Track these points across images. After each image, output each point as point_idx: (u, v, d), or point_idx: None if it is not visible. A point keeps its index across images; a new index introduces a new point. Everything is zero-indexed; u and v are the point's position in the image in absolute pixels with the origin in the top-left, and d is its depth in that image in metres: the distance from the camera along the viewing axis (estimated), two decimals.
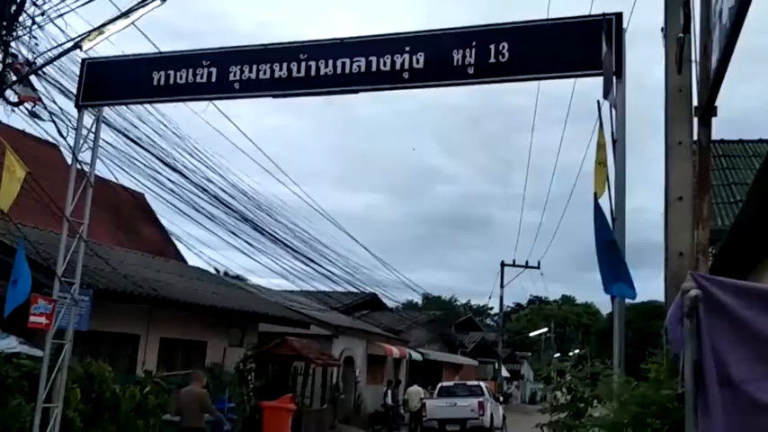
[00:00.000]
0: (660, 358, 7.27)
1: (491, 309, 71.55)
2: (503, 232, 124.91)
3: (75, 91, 11.26)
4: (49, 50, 11.28)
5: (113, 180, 14.61)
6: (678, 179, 7.12)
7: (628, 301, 9.59)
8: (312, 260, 21.37)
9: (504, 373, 49.20)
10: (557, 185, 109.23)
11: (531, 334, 63.53)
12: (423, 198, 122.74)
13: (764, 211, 5.38)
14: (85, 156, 11.60)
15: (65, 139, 11.47)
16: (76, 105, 11.18)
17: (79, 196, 11.41)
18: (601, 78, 8.18)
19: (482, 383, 24.92)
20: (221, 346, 17.31)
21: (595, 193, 8.02)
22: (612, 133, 8.50)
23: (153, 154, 13.78)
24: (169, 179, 14.43)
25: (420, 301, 57.66)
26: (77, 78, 11.17)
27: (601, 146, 7.98)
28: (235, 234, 17.46)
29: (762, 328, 3.33)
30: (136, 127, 13.41)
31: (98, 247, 14.81)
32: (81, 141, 11.36)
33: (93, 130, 11.54)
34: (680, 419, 5.29)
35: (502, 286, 43.14)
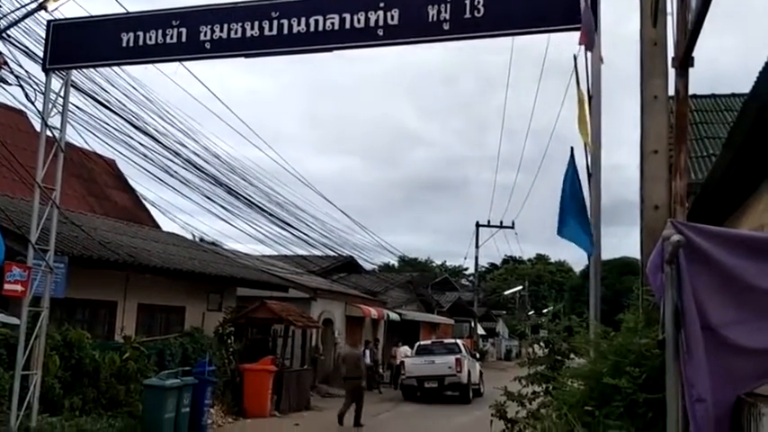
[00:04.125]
0: (636, 310, 7.41)
1: (466, 269, 72.34)
2: (478, 194, 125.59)
3: (41, 54, 10.99)
4: (13, 12, 10.99)
5: (84, 146, 14.37)
6: (653, 132, 7.19)
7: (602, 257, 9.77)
8: (289, 224, 21.38)
9: (480, 331, 49.89)
10: (532, 145, 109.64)
11: (506, 292, 64.29)
12: (398, 161, 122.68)
13: (739, 161, 5.46)
14: (55, 121, 11.38)
15: (33, 104, 11.21)
16: (44, 69, 10.92)
17: (50, 162, 11.23)
18: (576, 34, 8.17)
19: (459, 341, 25.22)
20: (200, 310, 17.30)
21: (572, 148, 8.10)
22: (588, 89, 8.53)
23: (123, 118, 13.54)
24: (141, 143, 14.24)
25: (396, 264, 58.00)
26: (44, 41, 10.89)
27: (580, 101, 8.00)
28: (210, 199, 17.37)
29: (741, 274, 3.39)
30: (105, 90, 13.15)
31: (71, 214, 14.62)
32: (50, 106, 11.13)
33: (62, 94, 11.31)
34: (657, 366, 5.41)
35: (477, 246, 43.53)
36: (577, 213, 7.98)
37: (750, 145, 5.21)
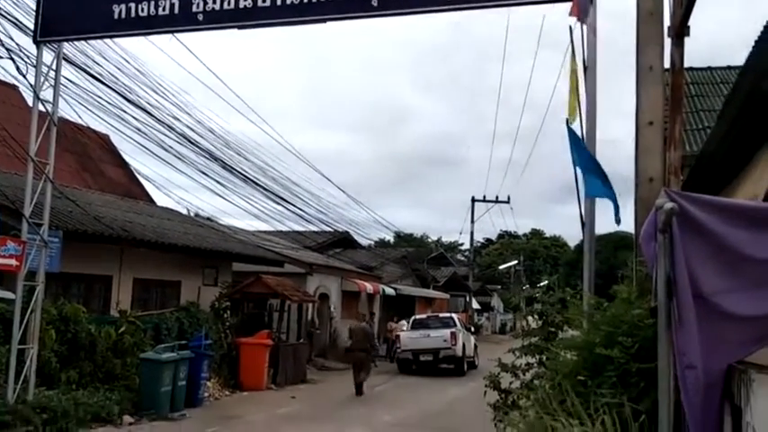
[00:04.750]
0: (629, 281, 7.44)
1: (462, 245, 72.42)
2: (474, 169, 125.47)
3: (32, 26, 10.86)
4: None
5: (77, 120, 14.27)
6: (649, 103, 7.15)
7: (596, 231, 9.78)
8: (284, 199, 21.34)
9: (475, 305, 50.17)
10: (528, 119, 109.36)
11: (501, 267, 64.52)
12: (394, 136, 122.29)
13: (734, 132, 5.45)
14: (47, 94, 11.30)
15: (24, 77, 11.10)
16: (35, 41, 10.80)
17: (43, 136, 11.16)
18: (568, 5, 8.12)
19: (454, 315, 25.36)
20: (195, 285, 17.33)
21: (567, 119, 8.08)
22: (584, 60, 8.49)
23: (116, 91, 13.43)
24: (134, 117, 14.14)
25: (392, 239, 58.12)
26: (34, 13, 10.76)
27: (573, 72, 7.97)
28: (204, 174, 17.30)
29: (734, 242, 3.39)
30: (98, 64, 13.02)
31: (65, 189, 14.57)
32: (42, 79, 11.03)
33: (54, 67, 11.21)
34: (650, 337, 5.45)
35: (472, 221, 43.60)
36: (600, 174, 8.00)
37: (745, 116, 5.20)
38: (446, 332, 22.39)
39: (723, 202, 3.66)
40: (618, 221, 8.00)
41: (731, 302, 3.46)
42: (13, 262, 10.41)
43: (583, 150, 8.22)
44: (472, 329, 28.39)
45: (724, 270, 3.52)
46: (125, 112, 13.92)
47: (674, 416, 3.72)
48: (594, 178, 8.06)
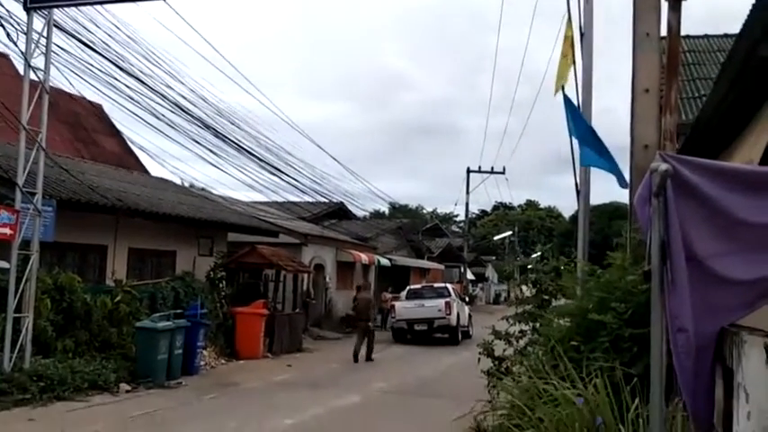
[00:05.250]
0: (623, 249, 7.48)
1: (457, 216, 72.59)
2: (469, 139, 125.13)
3: None
4: None
5: (69, 89, 14.14)
6: (645, 71, 7.13)
7: (591, 202, 9.82)
8: (278, 169, 21.27)
9: (470, 276, 50.38)
10: (525, 89, 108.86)
11: (496, 238, 64.66)
12: (389, 106, 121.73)
13: (729, 99, 5.43)
14: (38, 62, 11.19)
15: (15, 44, 10.98)
16: (25, 7, 10.69)
17: (35, 105, 11.07)
18: None
19: (448, 285, 25.48)
20: (191, 255, 17.33)
21: (563, 87, 8.05)
22: (580, 27, 8.44)
23: (108, 59, 13.29)
24: (127, 86, 14.02)
25: (387, 210, 58.13)
26: None
27: (567, 38, 7.93)
28: (197, 143, 17.21)
29: (729, 206, 3.39)
30: (89, 31, 12.87)
31: (58, 158, 14.48)
32: (32, 46, 10.92)
33: (45, 34, 11.09)
34: (643, 303, 5.50)
35: (467, 192, 43.60)
36: (596, 143, 8.00)
37: (741, 81, 5.18)
38: (441, 302, 22.52)
39: (718, 165, 3.65)
40: (624, 185, 7.99)
41: (724, 266, 3.47)
42: (7, 231, 10.40)
43: (579, 119, 8.22)
44: (466, 300, 28.54)
45: (718, 233, 3.52)
46: (117, 80, 13.80)
47: (665, 379, 3.76)
48: (589, 148, 8.07)
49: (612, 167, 7.97)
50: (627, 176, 7.94)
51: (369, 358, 17.25)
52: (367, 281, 23.80)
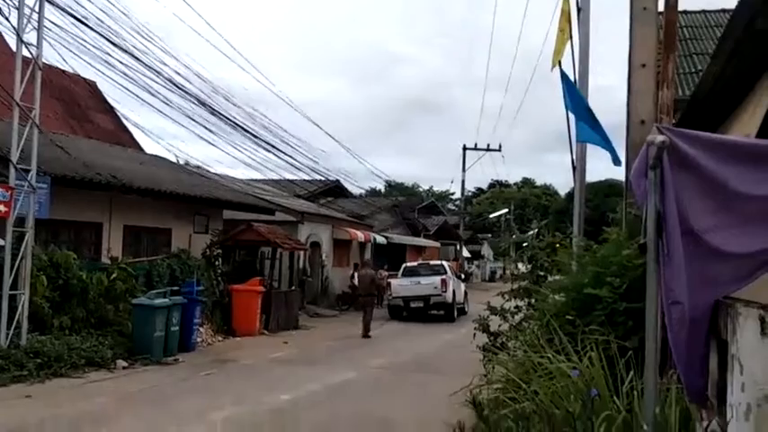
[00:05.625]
0: (619, 224, 7.49)
1: (453, 194, 72.59)
2: (466, 116, 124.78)
3: None
4: None
5: (63, 67, 14.02)
6: (642, 46, 7.09)
7: (587, 179, 9.82)
8: (274, 147, 21.20)
9: (466, 253, 50.49)
10: (521, 65, 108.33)
11: (491, 216, 64.75)
12: (385, 83, 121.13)
13: (726, 73, 5.40)
14: (31, 37, 11.08)
15: (7, 19, 10.88)
16: None
17: (28, 81, 10.98)
18: None
19: (444, 263, 25.54)
20: (186, 232, 17.31)
21: (560, 62, 8.01)
22: (578, 1, 8.37)
23: (101, 35, 13.16)
24: (120, 62, 13.90)
25: (383, 188, 58.10)
26: None
27: (564, 12, 7.87)
28: (193, 120, 17.13)
29: (726, 178, 3.37)
30: (82, 6, 12.73)
31: (52, 135, 14.40)
32: (24, 21, 10.80)
33: (37, 9, 10.97)
34: (638, 277, 5.51)
35: (464, 170, 43.57)
36: (592, 120, 8.00)
37: (738, 56, 5.15)
38: (436, 279, 22.59)
39: (715, 138, 3.63)
40: (617, 163, 8.01)
41: (720, 239, 3.46)
42: (2, 208, 10.37)
43: (575, 94, 8.19)
44: (462, 277, 28.60)
45: (714, 206, 3.51)
46: (111, 56, 13.68)
47: (660, 352, 3.77)
48: (584, 124, 8.07)
49: (607, 144, 7.98)
50: (622, 153, 7.95)
51: (366, 335, 17.50)
52: (368, 258, 23.80)
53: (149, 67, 14.51)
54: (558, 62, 8.08)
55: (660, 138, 3.12)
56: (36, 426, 7.48)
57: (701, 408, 3.98)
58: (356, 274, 25.56)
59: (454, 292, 23.05)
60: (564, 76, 7.91)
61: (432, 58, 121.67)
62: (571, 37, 8.64)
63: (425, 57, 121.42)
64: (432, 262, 26.72)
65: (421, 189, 78.28)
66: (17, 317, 10.66)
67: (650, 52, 7.09)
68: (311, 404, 9.14)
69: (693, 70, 9.82)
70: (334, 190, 33.16)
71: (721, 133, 6.05)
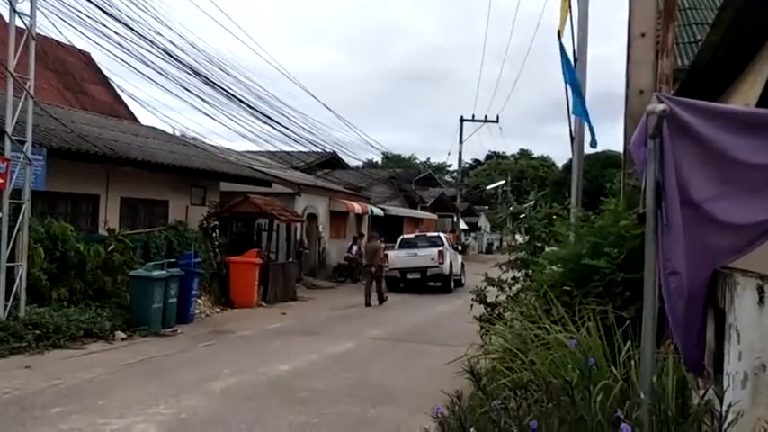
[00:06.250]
0: (617, 195, 7.49)
1: (450, 166, 72.53)
2: (463, 87, 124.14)
3: None
4: None
5: (57, 37, 13.87)
6: (641, 15, 7.01)
7: (585, 150, 9.81)
8: (271, 118, 21.10)
9: (463, 225, 50.58)
10: (519, 36, 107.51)
11: (489, 187, 64.76)
12: (383, 54, 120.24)
13: (726, 42, 5.36)
14: (24, 7, 10.95)
15: None
16: None
17: (21, 52, 10.87)
18: None
19: (441, 234, 25.57)
20: (183, 204, 17.28)
21: (559, 33, 7.95)
22: None
23: (95, 4, 13.00)
24: (115, 32, 13.75)
25: (380, 160, 57.99)
26: None
27: None
28: (188, 91, 17.01)
29: (726, 148, 3.35)
30: None
31: (48, 107, 14.29)
32: None
33: None
34: (636, 247, 5.52)
35: (461, 141, 43.49)
36: (580, 95, 8.00)
37: (738, 24, 5.10)
38: (433, 251, 22.65)
39: (715, 107, 3.61)
40: (594, 144, 8.07)
41: (720, 209, 3.45)
42: None
43: (569, 69, 8.14)
44: (459, 249, 28.68)
45: (714, 176, 3.50)
46: (105, 26, 13.53)
47: (657, 322, 3.79)
48: (576, 98, 8.05)
49: (590, 124, 8.00)
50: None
51: (381, 300, 18.49)
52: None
53: (144, 38, 14.36)
54: (558, 33, 8.02)
55: (660, 107, 3.10)
56: (36, 395, 7.53)
57: (697, 376, 4.02)
58: (356, 246, 25.66)
59: (451, 263, 23.12)
60: (562, 47, 7.86)
61: (430, 29, 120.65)
62: (570, 7, 8.56)
63: (424, 27, 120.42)
64: (429, 234, 26.76)
65: (418, 161, 78.24)
66: (15, 289, 10.68)
67: (650, 21, 7.02)
68: (310, 374, 9.21)
69: (693, 40, 9.74)
70: (330, 162, 33.08)
71: (721, 103, 6.02)
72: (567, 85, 8.39)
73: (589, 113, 8.19)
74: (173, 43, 15.59)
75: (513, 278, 9.08)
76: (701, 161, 3.47)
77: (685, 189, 3.49)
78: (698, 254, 3.54)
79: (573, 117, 9.30)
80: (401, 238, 25.50)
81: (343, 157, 33.64)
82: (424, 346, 11.76)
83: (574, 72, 7.95)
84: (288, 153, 28.86)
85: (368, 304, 18.06)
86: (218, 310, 15.72)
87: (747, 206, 3.45)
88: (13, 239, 10.69)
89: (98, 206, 14.49)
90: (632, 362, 4.25)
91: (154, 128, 21.00)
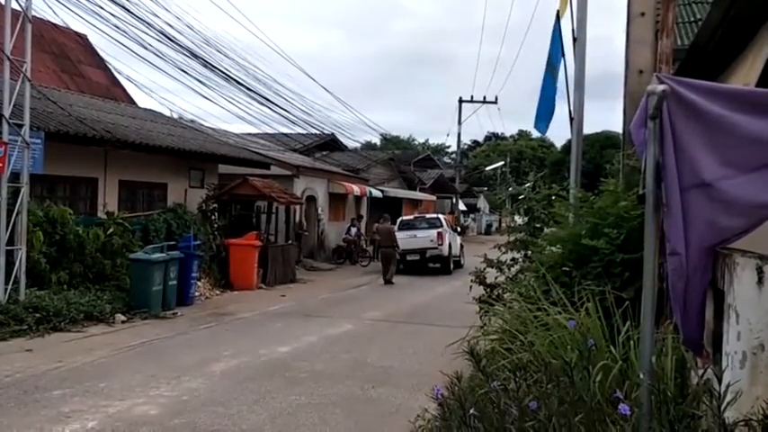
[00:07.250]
0: (616, 175, 7.48)
1: (449, 147, 72.47)
2: (462, 69, 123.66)
3: None
4: None
5: (53, 19, 13.77)
6: None
7: (584, 131, 9.81)
8: (269, 100, 21.02)
9: (462, 207, 50.59)
10: (518, 15, 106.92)
11: (487, 168, 64.70)
12: (381, 34, 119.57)
13: (726, 21, 5.32)
14: None
15: None
16: None
17: (18, 35, 10.80)
18: None
19: (440, 216, 25.57)
20: (182, 187, 17.25)
21: (558, 13, 7.90)
22: None
23: None
24: (112, 14, 13.65)
25: (379, 142, 57.87)
26: None
27: None
28: (186, 73, 16.92)
29: (727, 127, 3.33)
30: None
31: (44, 90, 14.23)
32: None
33: None
34: (636, 228, 5.53)
35: (459, 122, 43.40)
36: (548, 84, 8.01)
37: (738, 5, 5.06)
38: (433, 232, 22.67)
39: (715, 86, 3.58)
40: (540, 129, 8.16)
41: (721, 189, 3.44)
42: None
43: (558, 52, 8.11)
44: (458, 230, 28.71)
45: (715, 156, 3.47)
46: (102, 8, 13.43)
47: (656, 303, 3.80)
48: (549, 80, 8.05)
49: (545, 111, 8.03)
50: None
51: (389, 281, 19.38)
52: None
53: (141, 19, 14.26)
54: (559, 12, 7.97)
55: (660, 87, 3.08)
56: (38, 378, 7.56)
57: (696, 356, 4.03)
58: (355, 228, 25.69)
59: (450, 245, 23.16)
60: (559, 30, 7.84)
61: (429, 10, 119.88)
62: None
63: (423, 8, 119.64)
64: (428, 215, 26.77)
65: (417, 142, 78.10)
66: (15, 272, 10.69)
67: (650, 1, 6.98)
68: (310, 355, 9.24)
69: (693, 19, 9.68)
70: (329, 144, 33.00)
71: (720, 83, 5.99)
72: (551, 68, 8.39)
73: (555, 102, 8.25)
74: (170, 25, 15.43)
75: (513, 259, 9.10)
76: (702, 140, 3.45)
77: (685, 168, 3.47)
78: (698, 234, 3.53)
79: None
80: (400, 219, 25.49)
81: (341, 138, 33.62)
82: (423, 328, 11.80)
83: (559, 57, 7.93)
84: (286, 135, 28.79)
85: (389, 281, 19.33)
86: (217, 292, 15.75)
87: (747, 186, 3.43)
88: (12, 223, 10.69)
89: (97, 189, 14.47)
90: (631, 342, 4.27)
91: (152, 110, 20.92)
